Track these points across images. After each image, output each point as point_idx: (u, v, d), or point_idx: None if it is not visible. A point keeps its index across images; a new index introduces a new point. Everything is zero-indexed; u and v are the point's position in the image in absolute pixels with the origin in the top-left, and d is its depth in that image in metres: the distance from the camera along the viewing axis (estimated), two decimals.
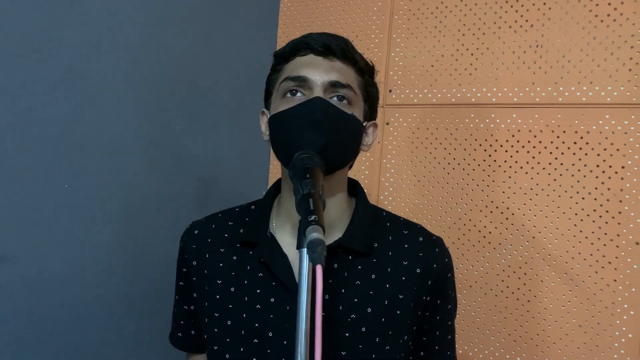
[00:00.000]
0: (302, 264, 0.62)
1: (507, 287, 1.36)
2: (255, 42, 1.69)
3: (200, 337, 1.00)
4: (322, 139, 0.83)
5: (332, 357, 0.74)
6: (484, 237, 1.39)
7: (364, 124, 0.93)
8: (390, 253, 0.93)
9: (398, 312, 0.90)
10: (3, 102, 1.11)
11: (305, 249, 0.62)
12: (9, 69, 1.11)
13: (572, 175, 1.30)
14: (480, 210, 1.40)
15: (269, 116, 0.92)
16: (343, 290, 0.88)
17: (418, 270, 0.92)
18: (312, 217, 0.64)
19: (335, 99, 0.87)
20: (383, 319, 0.89)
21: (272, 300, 0.89)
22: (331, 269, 0.89)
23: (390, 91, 1.56)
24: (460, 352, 1.42)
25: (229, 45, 1.60)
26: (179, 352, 1.07)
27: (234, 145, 1.63)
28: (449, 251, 0.99)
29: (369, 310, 0.88)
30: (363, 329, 0.87)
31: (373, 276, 0.90)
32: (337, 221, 0.93)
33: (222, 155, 1.60)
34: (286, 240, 0.92)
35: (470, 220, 1.41)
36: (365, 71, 0.94)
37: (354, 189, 0.99)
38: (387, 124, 1.56)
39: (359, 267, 0.90)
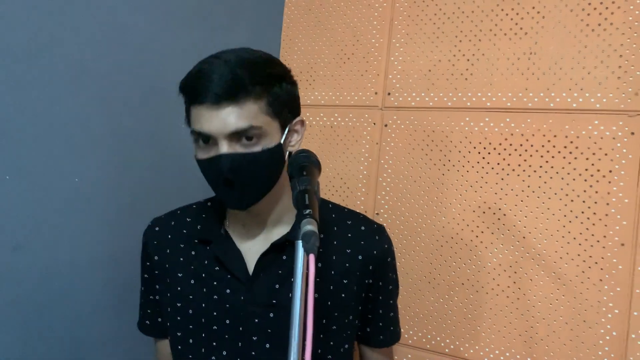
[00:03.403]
0: (297, 254, 0.68)
1: (498, 285, 1.41)
2: (258, 43, 1.73)
3: (166, 323, 1.08)
4: (236, 193, 0.91)
5: (284, 341, 0.82)
6: (477, 236, 1.44)
7: (285, 131, 0.95)
8: (335, 242, 1.02)
9: (343, 295, 1.00)
10: (18, 100, 1.16)
11: (300, 240, 0.67)
12: (21, 68, 1.16)
13: (562, 179, 1.34)
14: (473, 211, 1.45)
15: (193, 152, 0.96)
16: (292, 279, 0.96)
17: (360, 257, 1.02)
18: (307, 211, 0.71)
19: (243, 140, 0.89)
20: (329, 303, 0.99)
21: (228, 291, 0.98)
22: (280, 261, 0.98)
23: (389, 94, 1.61)
24: (452, 347, 1.47)
25: (233, 43, 1.65)
26: None
27: None
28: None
29: (316, 295, 0.96)
30: None
31: (319, 265, 0.99)
32: (284, 217, 1.01)
33: None
34: (239, 236, 1.02)
35: (463, 220, 1.46)
36: (268, 89, 0.92)
37: None
38: (386, 125, 1.61)
39: None
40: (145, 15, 1.41)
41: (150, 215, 1.13)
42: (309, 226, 0.68)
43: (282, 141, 0.94)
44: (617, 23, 1.30)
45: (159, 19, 1.45)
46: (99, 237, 1.33)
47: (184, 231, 1.06)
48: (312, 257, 0.64)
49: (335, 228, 1.04)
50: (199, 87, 0.89)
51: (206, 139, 0.90)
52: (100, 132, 1.32)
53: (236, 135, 0.88)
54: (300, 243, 0.68)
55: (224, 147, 0.88)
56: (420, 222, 1.53)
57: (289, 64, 1.35)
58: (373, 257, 1.03)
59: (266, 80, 0.92)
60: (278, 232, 1.01)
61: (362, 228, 1.05)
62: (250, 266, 0.99)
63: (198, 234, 1.04)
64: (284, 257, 0.99)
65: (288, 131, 0.96)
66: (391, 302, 1.12)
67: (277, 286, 0.98)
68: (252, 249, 1.00)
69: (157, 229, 1.09)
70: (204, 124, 0.89)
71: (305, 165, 0.82)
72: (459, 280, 1.46)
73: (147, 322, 1.14)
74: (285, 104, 0.94)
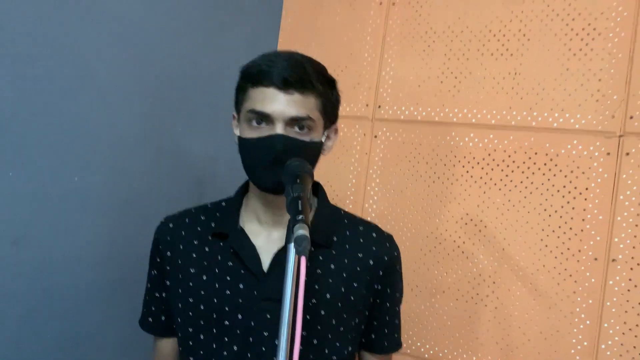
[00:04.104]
0: (289, 256, 0.72)
1: (477, 294, 1.47)
2: (254, 52, 1.78)
3: (170, 322, 1.11)
4: (278, 176, 0.92)
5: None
6: (458, 246, 1.50)
7: (325, 134, 1.03)
8: (347, 246, 1.06)
9: (352, 298, 1.04)
10: (20, 99, 1.20)
11: (293, 244, 0.72)
12: (23, 67, 1.20)
13: (541, 194, 1.41)
14: (456, 222, 1.51)
15: (237, 135, 1.02)
16: (306, 279, 1.00)
17: (371, 262, 1.06)
18: (300, 217, 0.75)
19: (296, 128, 0.96)
20: (339, 304, 1.03)
21: (241, 286, 1.01)
22: None
23: (379, 107, 1.67)
24: (432, 352, 1.52)
25: (230, 52, 1.70)
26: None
27: (231, 146, 1.72)
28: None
29: (328, 296, 1.02)
30: (322, 312, 1.01)
31: (332, 266, 1.03)
32: None
33: (219, 156, 1.69)
34: (254, 233, 1.05)
35: (446, 230, 1.52)
36: (325, 91, 1.01)
37: (316, 189, 1.11)
38: (375, 137, 1.67)
39: (320, 258, 1.03)
40: (146, 18, 1.45)
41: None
42: (302, 230, 0.72)
43: (323, 140, 1.02)
44: (597, 49, 1.37)
45: (160, 22, 1.49)
46: (97, 234, 1.37)
47: (198, 229, 1.09)
48: (303, 260, 0.69)
49: (348, 233, 1.08)
50: (270, 70, 0.96)
51: (261, 120, 0.96)
52: (101, 132, 1.36)
53: (293, 122, 0.96)
54: (292, 246, 0.72)
55: (280, 130, 0.95)
56: (405, 230, 1.59)
57: None
58: (384, 262, 1.07)
59: (326, 83, 1.01)
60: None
61: (374, 235, 1.10)
62: (264, 263, 1.02)
63: (214, 229, 1.07)
64: None
65: (326, 136, 1.04)
66: (397, 309, 1.14)
67: None
68: (265, 247, 1.03)
69: (170, 225, 1.11)
70: (266, 104, 0.95)
71: (299, 174, 0.87)
72: (440, 288, 1.52)
73: (150, 319, 1.15)
74: (332, 109, 1.04)
